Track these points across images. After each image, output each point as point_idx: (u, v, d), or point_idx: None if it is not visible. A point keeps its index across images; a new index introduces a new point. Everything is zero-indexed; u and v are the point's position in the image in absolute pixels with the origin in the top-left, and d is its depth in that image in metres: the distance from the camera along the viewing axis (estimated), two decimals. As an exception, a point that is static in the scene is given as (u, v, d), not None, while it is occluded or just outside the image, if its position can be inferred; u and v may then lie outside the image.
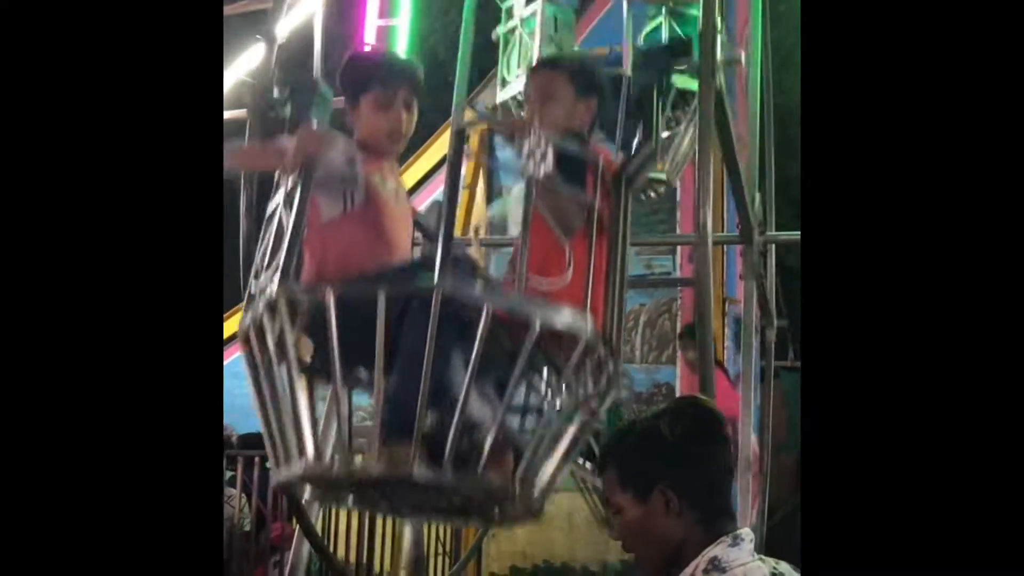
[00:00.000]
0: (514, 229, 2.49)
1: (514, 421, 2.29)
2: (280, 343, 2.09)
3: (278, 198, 2.32)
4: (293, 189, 2.25)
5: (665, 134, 3.55)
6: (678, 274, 7.05)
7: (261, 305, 2.13)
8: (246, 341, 2.22)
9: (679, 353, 6.81)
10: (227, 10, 8.95)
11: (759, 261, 3.83)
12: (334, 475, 2.10)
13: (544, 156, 2.09)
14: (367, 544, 5.39)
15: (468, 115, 4.76)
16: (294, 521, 3.89)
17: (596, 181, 2.26)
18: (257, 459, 5.04)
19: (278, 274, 2.15)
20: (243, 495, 5.26)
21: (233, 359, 8.36)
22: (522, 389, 2.27)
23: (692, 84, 3.67)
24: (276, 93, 2.70)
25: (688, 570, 1.60)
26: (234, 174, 2.55)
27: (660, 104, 3.58)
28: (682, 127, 3.85)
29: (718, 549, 1.60)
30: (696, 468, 1.64)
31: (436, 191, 7.16)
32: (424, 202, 7.33)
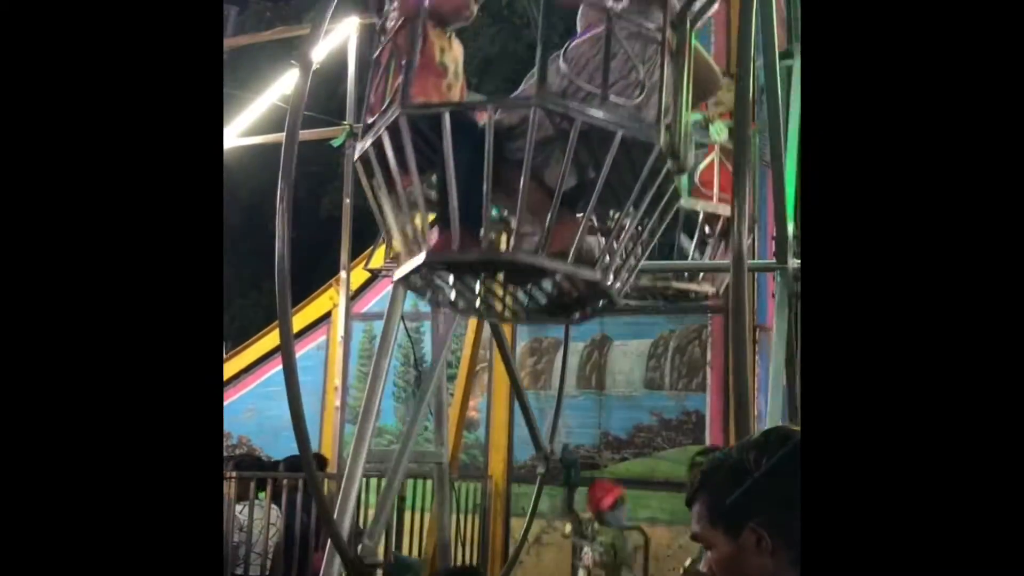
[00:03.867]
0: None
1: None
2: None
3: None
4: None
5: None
6: (708, 301, 7.00)
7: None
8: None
9: (709, 367, 6.73)
10: (263, 36, 9.09)
11: (794, 285, 3.80)
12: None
13: None
14: (395, 539, 5.38)
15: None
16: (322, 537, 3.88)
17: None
18: (300, 483, 5.00)
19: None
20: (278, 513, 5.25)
21: (266, 378, 8.38)
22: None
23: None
24: None
25: None
26: None
27: None
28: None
29: None
30: (789, 505, 1.52)
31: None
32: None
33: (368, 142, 2.80)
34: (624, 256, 2.82)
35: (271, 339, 8.27)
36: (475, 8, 3.09)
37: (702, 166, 4.83)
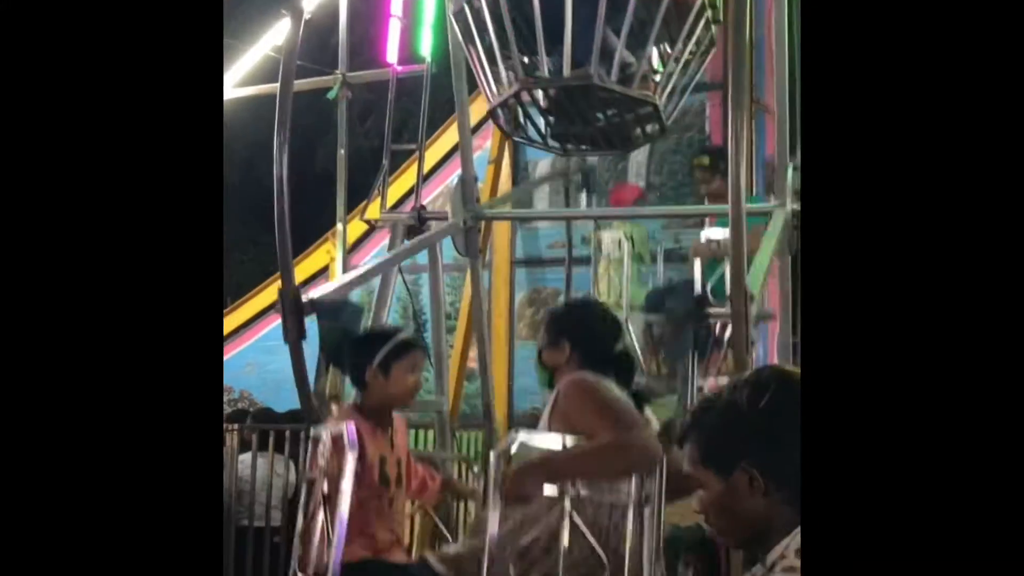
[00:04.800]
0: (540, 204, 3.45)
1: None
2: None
3: None
4: None
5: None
6: (706, 247, 7.00)
7: None
8: (459, 15, 3.50)
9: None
10: (252, -14, 8.91)
11: (793, 235, 3.79)
12: (542, 80, 3.35)
13: None
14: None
15: None
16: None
17: None
18: (303, 434, 5.03)
19: None
20: (284, 462, 5.29)
21: (265, 333, 8.45)
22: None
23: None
24: None
25: (778, 549, 1.50)
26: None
27: None
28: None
29: None
30: (781, 444, 1.51)
31: (450, 176, 7.13)
32: (436, 189, 7.30)
33: None
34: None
35: (269, 293, 8.26)
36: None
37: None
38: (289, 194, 2.99)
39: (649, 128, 3.63)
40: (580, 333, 2.91)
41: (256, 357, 8.16)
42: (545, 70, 3.40)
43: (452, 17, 3.66)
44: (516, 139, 4.13)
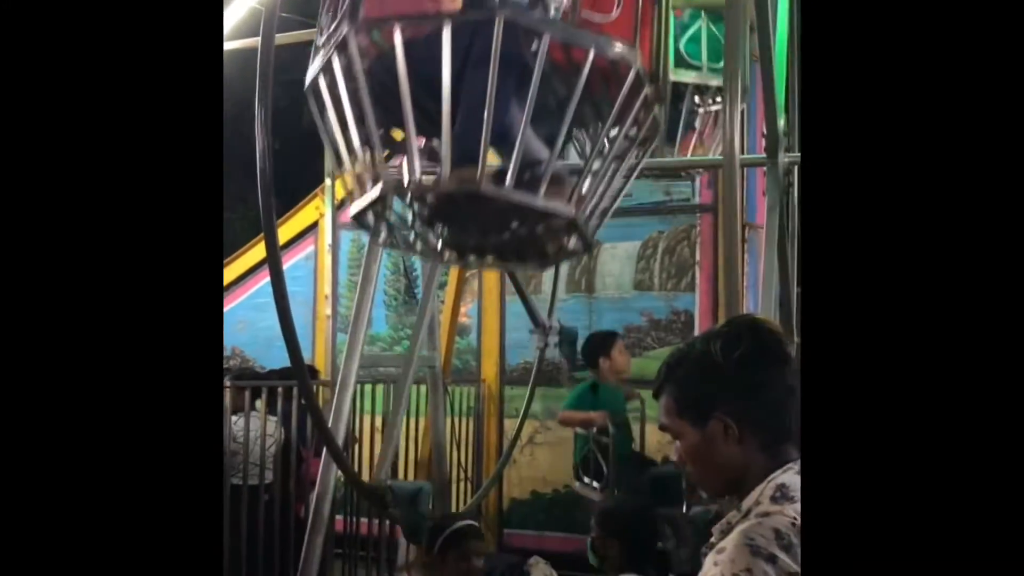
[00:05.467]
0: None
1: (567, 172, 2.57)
2: (349, 76, 2.32)
3: None
4: None
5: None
6: (697, 200, 6.97)
7: (331, 47, 2.33)
8: (315, 90, 2.48)
9: (698, 267, 6.75)
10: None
11: (784, 180, 3.76)
12: (413, 186, 2.33)
13: None
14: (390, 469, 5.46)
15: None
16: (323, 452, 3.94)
17: None
18: (295, 391, 5.03)
19: (347, 18, 2.30)
20: (276, 423, 5.31)
21: (255, 290, 8.42)
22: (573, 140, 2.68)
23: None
24: None
25: (753, 495, 1.54)
26: None
27: None
28: None
29: (785, 476, 1.54)
30: (755, 393, 1.55)
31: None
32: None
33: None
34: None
35: (259, 251, 8.23)
36: None
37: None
38: (275, 160, 2.93)
39: (569, 243, 2.60)
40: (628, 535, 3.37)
41: (247, 314, 8.15)
42: (415, 166, 2.39)
43: (308, 94, 2.66)
44: (394, 251, 3.22)
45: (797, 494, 1.50)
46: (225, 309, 8.58)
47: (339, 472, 3.72)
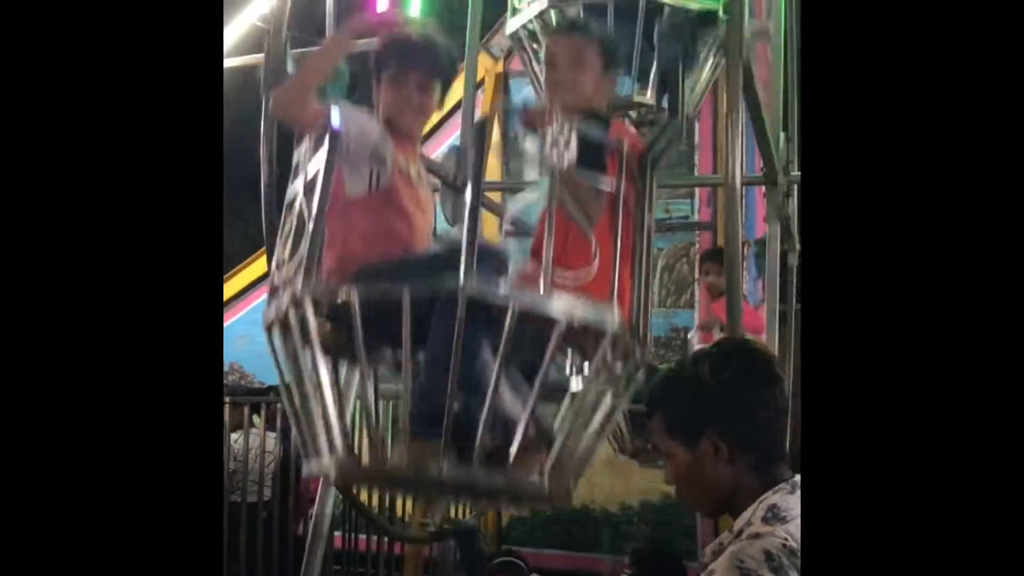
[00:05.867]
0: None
1: (541, 408, 2.21)
2: (304, 333, 2.07)
3: (298, 185, 2.26)
4: (314, 178, 2.19)
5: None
6: (696, 218, 6.99)
7: (286, 299, 2.10)
8: (271, 331, 2.20)
9: (698, 284, 6.74)
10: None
11: (783, 202, 3.78)
12: (362, 472, 2.10)
13: (568, 144, 2.03)
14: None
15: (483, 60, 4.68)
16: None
17: (620, 165, 2.21)
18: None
19: (302, 271, 2.09)
20: (275, 439, 5.29)
21: (255, 305, 8.37)
22: (550, 371, 2.18)
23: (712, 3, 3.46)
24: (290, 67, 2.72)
25: (745, 516, 1.54)
26: (279, 119, 2.49)
27: (684, 76, 3.22)
28: (700, 56, 3.68)
29: (776, 497, 1.54)
30: (745, 413, 1.56)
31: (452, 135, 7.07)
32: (438, 149, 7.24)
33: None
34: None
35: (259, 266, 8.24)
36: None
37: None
38: (277, 174, 2.93)
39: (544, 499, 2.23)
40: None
41: (246, 330, 8.14)
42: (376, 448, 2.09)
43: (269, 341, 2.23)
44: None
45: (789, 514, 1.50)
46: (224, 324, 8.59)
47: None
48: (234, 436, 5.13)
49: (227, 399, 5.02)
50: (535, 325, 2.04)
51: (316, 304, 2.09)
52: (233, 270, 8.86)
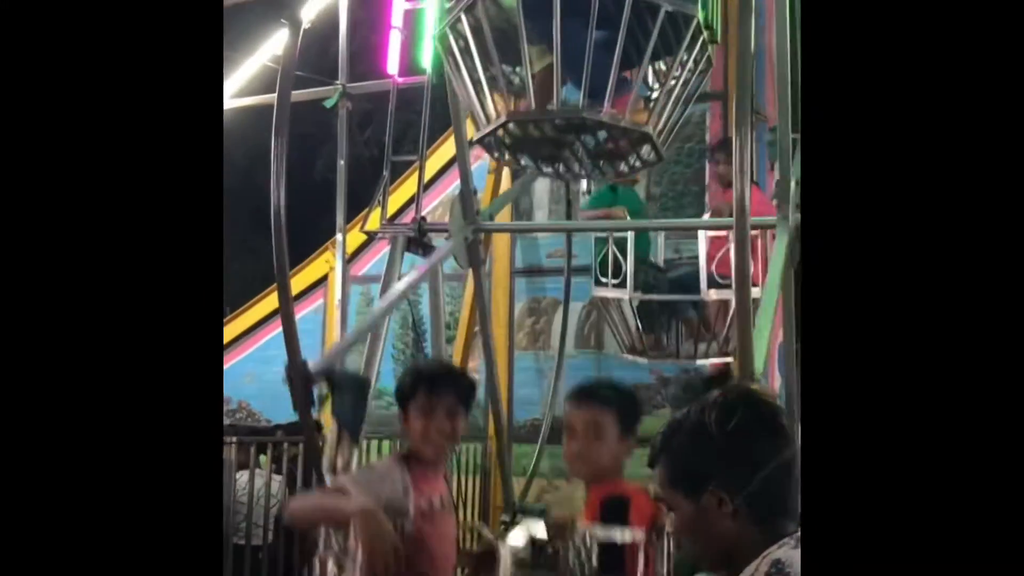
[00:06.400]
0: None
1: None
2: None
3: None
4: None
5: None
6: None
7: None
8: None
9: (707, 169, 6.65)
10: (252, -5, 8.91)
11: (795, 245, 3.76)
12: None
13: (590, 556, 2.27)
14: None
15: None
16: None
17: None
18: (300, 451, 4.98)
19: None
20: (280, 483, 5.24)
21: (264, 343, 8.39)
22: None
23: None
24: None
25: (748, 570, 1.50)
26: (295, 526, 2.68)
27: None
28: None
29: (781, 552, 1.49)
30: (750, 465, 1.52)
31: (450, 186, 7.10)
32: (437, 199, 7.28)
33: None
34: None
35: (269, 303, 8.25)
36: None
37: None
38: (287, 213, 2.95)
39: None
40: None
41: (255, 367, 8.13)
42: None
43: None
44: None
45: (793, 570, 1.45)
46: (233, 361, 8.57)
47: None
48: (238, 475, 5.08)
49: (233, 439, 4.97)
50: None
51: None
52: (243, 307, 8.87)
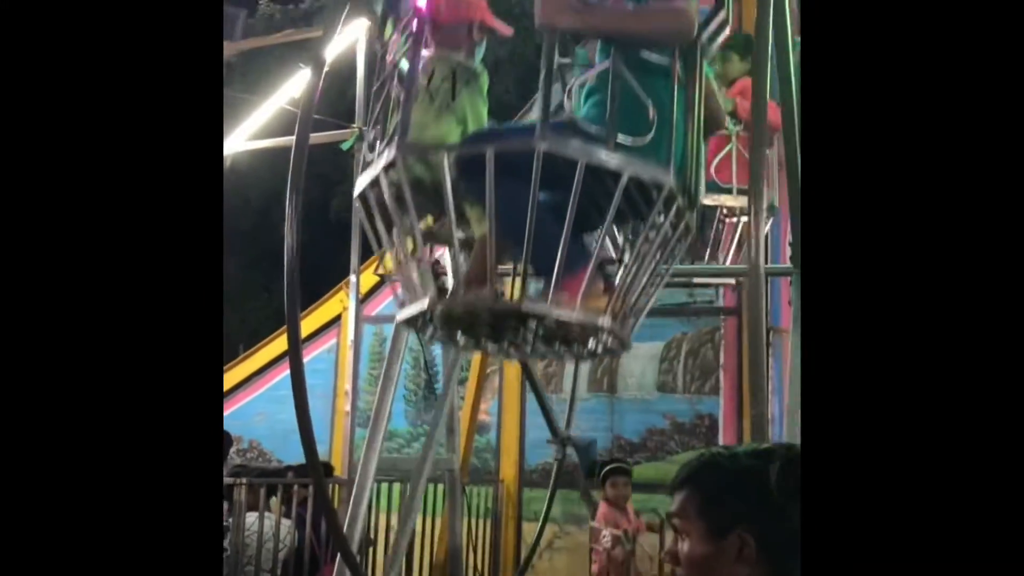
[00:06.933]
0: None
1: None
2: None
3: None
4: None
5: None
6: (721, 303, 6.95)
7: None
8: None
9: (722, 370, 6.66)
10: (272, 39, 9.07)
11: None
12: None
13: None
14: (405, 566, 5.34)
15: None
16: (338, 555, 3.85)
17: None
18: (310, 490, 4.95)
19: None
20: (289, 527, 5.19)
21: (276, 382, 8.39)
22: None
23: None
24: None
25: None
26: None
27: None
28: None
29: None
30: (786, 521, 1.49)
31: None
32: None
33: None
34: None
35: (282, 343, 8.27)
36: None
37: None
38: (301, 246, 2.96)
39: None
40: None
41: (267, 407, 8.13)
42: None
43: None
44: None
45: None
46: (245, 400, 8.56)
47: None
48: (249, 517, 5.04)
49: (243, 480, 4.94)
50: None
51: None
52: (256, 346, 8.89)
